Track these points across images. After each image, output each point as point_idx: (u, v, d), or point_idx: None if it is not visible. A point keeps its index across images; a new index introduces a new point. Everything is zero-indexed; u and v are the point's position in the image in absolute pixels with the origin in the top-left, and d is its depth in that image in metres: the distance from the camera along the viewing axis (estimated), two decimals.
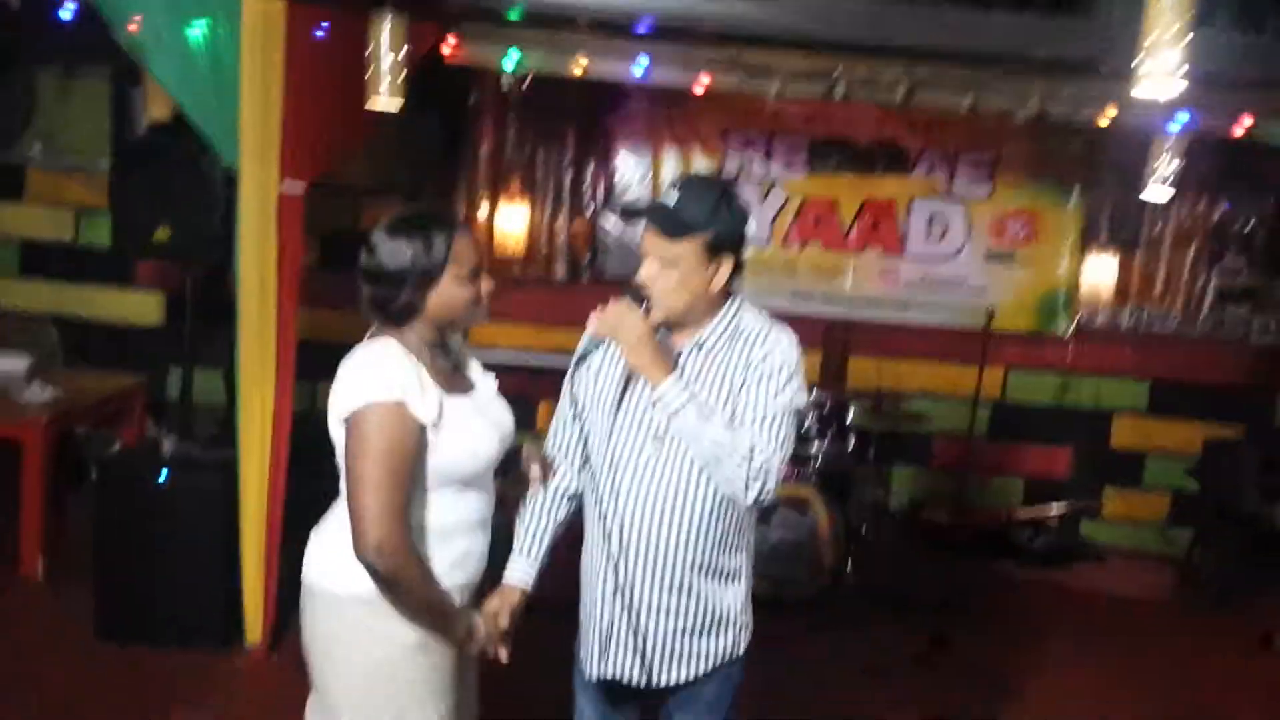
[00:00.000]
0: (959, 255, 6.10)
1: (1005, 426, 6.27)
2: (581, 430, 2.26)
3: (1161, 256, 6.11)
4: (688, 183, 2.12)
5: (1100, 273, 6.17)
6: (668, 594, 2.17)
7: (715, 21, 3.37)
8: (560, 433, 2.36)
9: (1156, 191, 4.08)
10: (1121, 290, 6.18)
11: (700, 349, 2.17)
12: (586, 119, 6.00)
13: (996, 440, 6.23)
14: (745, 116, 5.91)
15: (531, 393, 5.74)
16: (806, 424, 4.95)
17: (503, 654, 2.20)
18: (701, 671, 2.24)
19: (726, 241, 2.11)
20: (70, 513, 4.89)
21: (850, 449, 5.19)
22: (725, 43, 3.59)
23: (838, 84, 3.58)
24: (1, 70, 5.98)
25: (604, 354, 2.25)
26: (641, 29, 3.43)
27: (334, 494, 2.10)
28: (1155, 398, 6.32)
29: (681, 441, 2.10)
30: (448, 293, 2.06)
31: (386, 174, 6.05)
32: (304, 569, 2.14)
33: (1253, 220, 6.01)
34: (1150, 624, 5.25)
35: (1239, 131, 3.98)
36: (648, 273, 2.11)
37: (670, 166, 5.99)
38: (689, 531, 2.14)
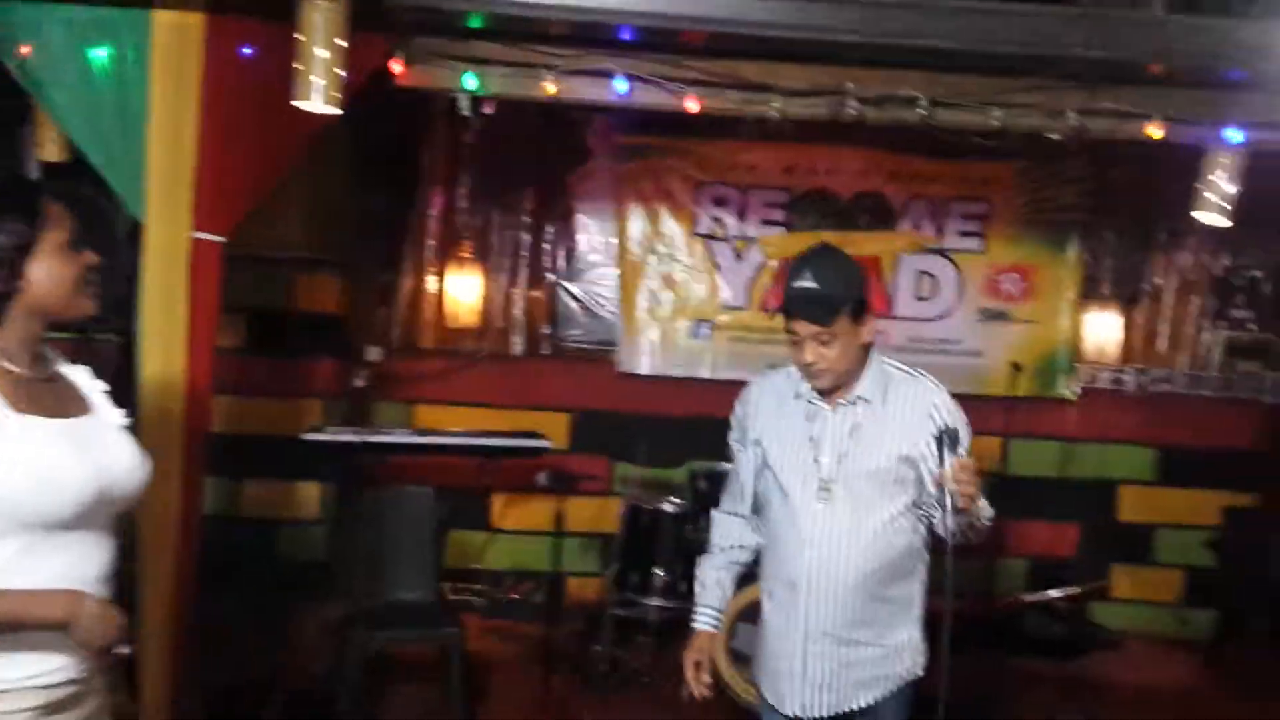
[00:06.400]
0: (951, 315, 5.66)
1: (1006, 502, 5.74)
2: (768, 486, 2.44)
3: (1164, 310, 5.74)
4: (814, 265, 2.28)
5: (1102, 329, 5.76)
6: (855, 628, 2.36)
7: (707, 22, 2.90)
8: (739, 489, 2.55)
9: (1212, 216, 3.63)
10: (1124, 348, 5.78)
11: (858, 403, 2.38)
12: (545, 177, 5.53)
13: (996, 517, 5.70)
14: (717, 170, 5.48)
15: (486, 482, 5.13)
16: None
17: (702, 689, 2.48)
18: (887, 693, 2.43)
19: (864, 301, 2.31)
20: None
21: None
22: (719, 56, 3.13)
23: (848, 101, 3.13)
24: None
25: (780, 414, 2.48)
26: (624, 35, 2.96)
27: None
28: (1164, 465, 5.85)
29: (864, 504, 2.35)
30: (47, 268, 1.69)
31: (323, 245, 5.50)
32: None
33: (1259, 270, 5.67)
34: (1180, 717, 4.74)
35: None
36: (811, 355, 2.29)
37: (637, 225, 5.49)
38: (866, 568, 2.34)
